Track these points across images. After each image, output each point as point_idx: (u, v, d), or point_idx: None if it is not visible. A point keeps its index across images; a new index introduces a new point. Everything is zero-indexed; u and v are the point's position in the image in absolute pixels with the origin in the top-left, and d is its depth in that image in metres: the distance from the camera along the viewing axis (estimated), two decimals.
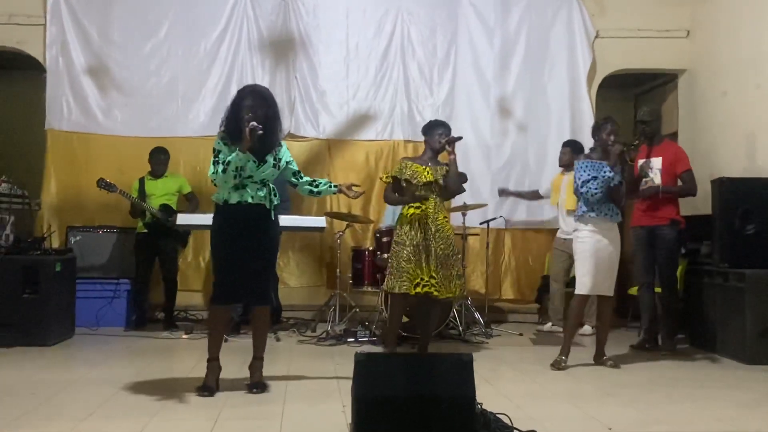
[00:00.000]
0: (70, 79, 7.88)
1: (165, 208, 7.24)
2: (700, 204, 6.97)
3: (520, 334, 7.25)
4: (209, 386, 4.52)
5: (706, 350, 6.36)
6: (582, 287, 5.62)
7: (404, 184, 5.72)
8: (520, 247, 8.34)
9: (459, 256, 5.91)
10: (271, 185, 4.64)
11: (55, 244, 7.62)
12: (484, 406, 3.64)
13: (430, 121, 6.06)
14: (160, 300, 7.51)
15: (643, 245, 6.49)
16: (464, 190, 6.40)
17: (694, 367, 5.84)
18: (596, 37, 8.39)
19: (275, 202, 4.66)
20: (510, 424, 3.66)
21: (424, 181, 5.65)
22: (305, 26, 8.17)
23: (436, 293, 5.51)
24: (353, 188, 4.96)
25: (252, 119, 4.37)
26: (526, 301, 8.31)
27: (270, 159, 4.58)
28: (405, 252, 5.53)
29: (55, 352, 6.01)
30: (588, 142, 8.10)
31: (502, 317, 8.21)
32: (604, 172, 5.51)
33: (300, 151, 8.17)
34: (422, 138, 7.96)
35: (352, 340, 6.58)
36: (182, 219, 6.44)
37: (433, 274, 5.51)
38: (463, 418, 3.40)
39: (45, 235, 6.87)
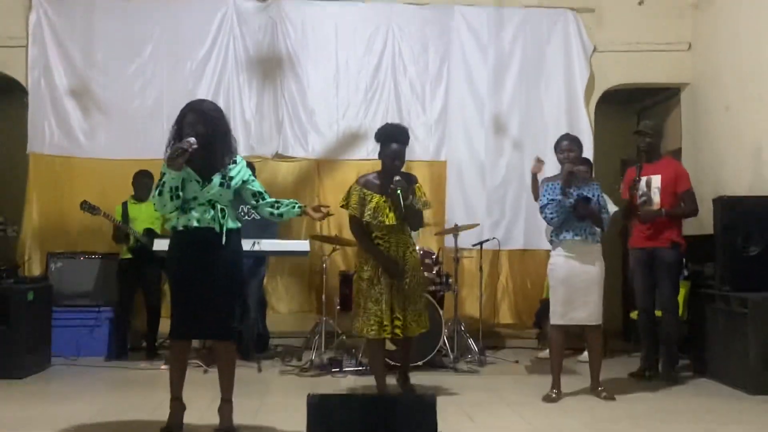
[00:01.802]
0: (52, 101, 7.69)
1: (149, 232, 7.01)
2: (705, 223, 6.66)
3: (516, 362, 6.94)
4: (171, 428, 4.21)
5: (708, 378, 6.04)
6: (554, 316, 5.34)
7: (364, 222, 5.18)
8: (517, 269, 8.03)
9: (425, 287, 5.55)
10: (220, 206, 4.23)
11: (37, 271, 7.47)
12: None
13: (384, 129, 5.32)
14: (144, 328, 7.26)
15: (642, 268, 6.18)
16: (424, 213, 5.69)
17: (694, 397, 5.51)
18: (594, 51, 8.12)
19: (229, 225, 4.27)
20: None
21: (388, 224, 5.11)
22: (293, 44, 7.94)
23: (401, 334, 5.13)
24: (321, 208, 4.59)
25: (190, 135, 4.06)
26: (525, 326, 7.99)
27: (217, 178, 4.21)
28: (372, 292, 5.11)
29: (24, 386, 5.77)
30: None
31: (499, 343, 7.91)
32: (558, 195, 5.24)
33: (288, 171, 7.99)
34: (413, 157, 7.95)
35: (337, 370, 6.29)
36: (159, 244, 6.23)
37: (398, 315, 5.09)
38: None
39: (21, 263, 6.66)
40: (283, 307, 7.95)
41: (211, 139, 4.16)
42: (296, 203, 4.54)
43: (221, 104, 7.49)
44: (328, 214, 4.63)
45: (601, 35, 8.15)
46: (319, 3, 8.01)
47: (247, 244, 6.31)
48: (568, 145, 5.46)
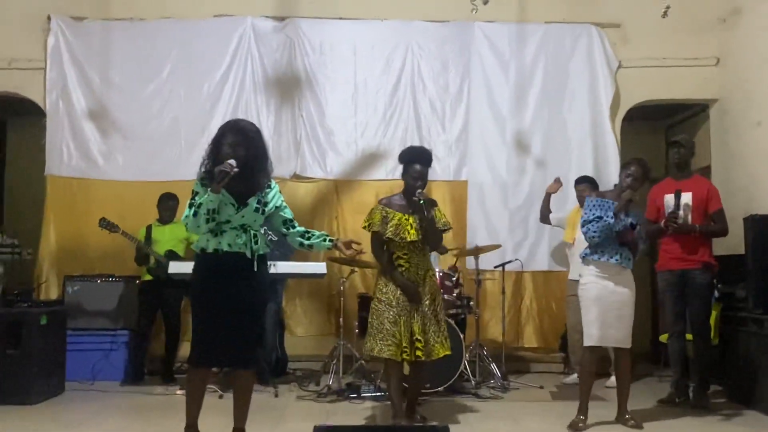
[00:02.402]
0: (70, 123, 7.67)
1: (171, 254, 6.91)
2: (736, 243, 6.41)
3: (541, 387, 6.71)
4: None
5: (741, 405, 5.78)
6: (589, 338, 5.12)
7: (386, 240, 5.12)
8: (542, 290, 7.81)
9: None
10: (253, 231, 4.14)
11: (54, 294, 7.40)
12: None
13: (408, 151, 5.35)
14: (161, 352, 7.15)
15: (673, 291, 5.94)
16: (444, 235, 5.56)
17: (725, 425, 5.26)
18: (619, 67, 7.93)
19: (261, 251, 4.16)
20: None
21: (409, 239, 5.05)
22: (311, 63, 7.86)
23: (423, 357, 4.98)
24: (353, 245, 4.41)
25: (230, 157, 3.94)
26: (550, 350, 7.77)
27: (253, 202, 4.09)
28: (390, 313, 5.00)
29: (35, 412, 5.64)
30: (613, 177, 7.71)
31: (523, 367, 7.69)
32: (608, 216, 5.02)
33: (306, 192, 7.88)
34: (434, 177, 7.78)
35: (355, 396, 6.11)
36: (174, 267, 6.14)
37: (419, 337, 4.97)
38: None
39: (36, 286, 6.59)
40: (302, 330, 7.81)
41: (251, 162, 4.04)
42: (327, 236, 4.39)
43: None
44: (359, 252, 4.46)
45: (626, 51, 7.97)
46: (337, 21, 7.92)
47: None
48: (634, 171, 5.21)
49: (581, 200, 6.93)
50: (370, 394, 6.11)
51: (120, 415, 5.70)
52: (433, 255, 6.96)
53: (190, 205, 4.02)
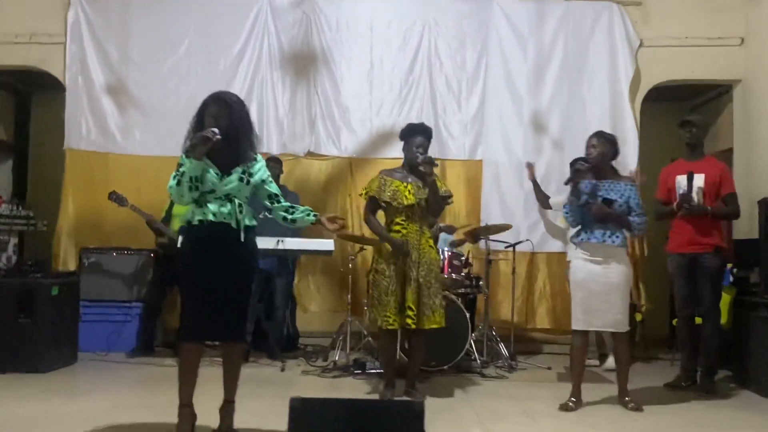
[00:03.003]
0: (89, 98, 7.74)
1: None
2: (754, 227, 6.29)
3: (549, 368, 6.68)
4: None
5: (750, 391, 5.69)
6: (575, 322, 5.09)
7: (384, 205, 5.27)
8: (556, 272, 7.70)
9: (440, 282, 5.36)
10: (238, 201, 4.07)
11: (72, 266, 7.52)
12: None
13: (408, 126, 5.47)
14: (173, 324, 7.25)
15: (682, 274, 5.85)
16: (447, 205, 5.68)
17: (730, 410, 5.17)
18: (640, 46, 7.76)
19: (246, 222, 4.10)
20: None
21: (406, 203, 5.18)
22: (327, 41, 7.83)
23: (413, 325, 5.05)
24: (336, 220, 4.39)
25: (213, 127, 3.92)
26: (563, 331, 7.64)
27: (237, 172, 4.06)
28: (385, 283, 5.11)
29: (44, 379, 5.75)
30: (631, 158, 7.61)
31: (535, 348, 7.66)
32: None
33: (321, 170, 7.88)
34: (448, 156, 7.76)
35: (359, 372, 6.14)
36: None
37: (410, 305, 5.05)
38: None
39: (52, 258, 6.70)
40: (315, 306, 7.84)
41: (235, 133, 4.02)
42: (311, 211, 4.35)
43: (254, 101, 7.69)
44: (343, 228, 4.46)
45: (647, 29, 7.80)
46: None
47: (270, 243, 6.29)
48: (589, 141, 5.23)
49: None
50: (375, 371, 6.12)
51: (128, 385, 5.81)
52: (442, 237, 6.99)
53: (175, 176, 3.98)
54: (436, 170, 7.44)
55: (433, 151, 7.56)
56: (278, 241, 6.30)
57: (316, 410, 3.10)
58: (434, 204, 5.23)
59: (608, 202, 5.00)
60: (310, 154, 7.81)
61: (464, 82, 7.85)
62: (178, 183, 3.95)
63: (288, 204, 4.34)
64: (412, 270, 5.10)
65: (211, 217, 4.01)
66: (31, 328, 5.92)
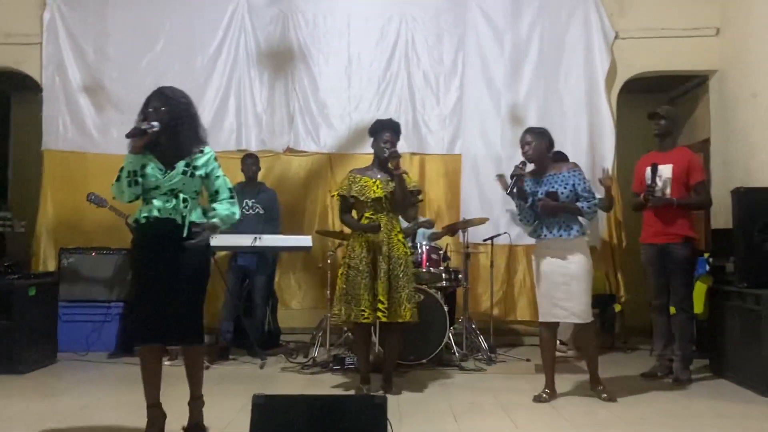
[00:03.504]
0: (66, 97, 7.72)
1: None
2: (730, 216, 6.32)
3: (528, 360, 6.71)
4: None
5: (725, 380, 5.73)
6: (541, 315, 5.17)
7: (353, 201, 5.33)
8: None
9: (412, 277, 5.38)
10: (183, 196, 3.95)
11: (51, 267, 7.51)
12: None
13: (376, 122, 5.55)
14: None
15: (654, 264, 5.90)
16: (417, 202, 5.71)
17: (705, 400, 5.20)
18: (616, 38, 7.79)
19: (193, 218, 3.96)
20: None
21: (373, 197, 5.25)
22: (304, 36, 7.83)
23: (384, 318, 5.12)
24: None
25: (154, 120, 3.89)
26: None
27: (180, 165, 3.96)
28: (359, 277, 5.17)
29: (22, 380, 5.77)
30: (608, 150, 7.65)
31: (517, 341, 7.69)
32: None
33: (300, 166, 7.89)
34: (427, 150, 7.79)
35: (338, 367, 6.16)
36: None
37: (381, 298, 5.10)
38: None
39: (28, 259, 6.70)
40: (296, 303, 7.85)
41: (176, 125, 3.96)
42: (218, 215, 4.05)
43: (233, 98, 7.70)
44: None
45: (623, 21, 7.82)
46: None
47: (248, 239, 6.33)
48: (523, 139, 5.22)
49: None
50: (354, 365, 6.14)
51: (107, 385, 5.79)
52: (420, 232, 7.02)
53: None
54: (414, 165, 7.62)
55: (412, 146, 7.72)
56: (255, 238, 6.34)
57: (279, 407, 3.12)
58: (401, 199, 5.25)
59: (552, 194, 5.03)
60: (289, 151, 7.82)
61: (442, 76, 7.86)
62: (117, 179, 3.92)
63: (224, 208, 4.08)
64: (381, 263, 5.15)
65: (156, 213, 3.93)
66: (10, 329, 5.92)
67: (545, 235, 5.11)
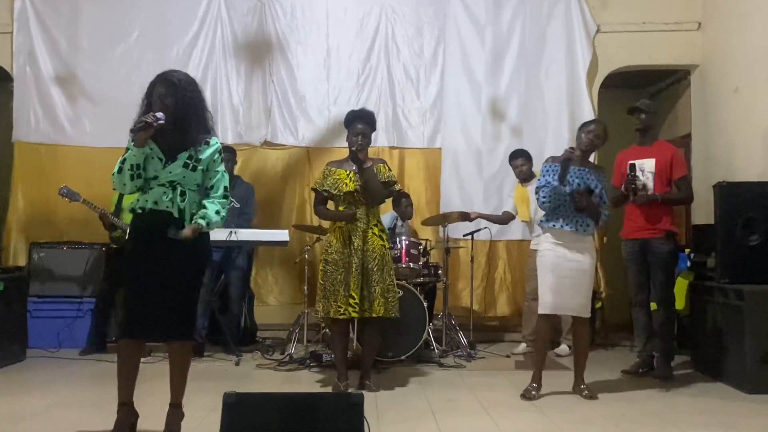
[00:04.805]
0: (37, 88, 7.54)
1: None
2: (712, 211, 6.27)
3: (507, 356, 6.64)
4: None
5: (707, 375, 5.68)
6: (543, 306, 5.02)
7: (326, 195, 5.26)
8: (516, 260, 7.66)
9: (390, 271, 5.26)
10: (181, 189, 3.79)
11: (22, 261, 7.33)
12: None
13: (349, 113, 5.41)
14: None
15: (635, 260, 5.83)
16: (390, 196, 5.62)
17: (686, 397, 5.12)
18: (597, 32, 7.73)
19: (192, 210, 3.81)
20: None
21: (345, 190, 5.16)
22: (282, 28, 7.70)
23: (354, 314, 5.03)
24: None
25: (159, 110, 3.67)
26: None
27: (182, 157, 3.77)
28: (335, 272, 5.09)
29: None
30: None
31: (497, 337, 7.61)
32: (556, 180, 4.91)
33: (278, 159, 7.76)
34: (407, 144, 7.69)
35: (316, 364, 6.05)
36: None
37: (353, 294, 5.01)
38: None
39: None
40: (273, 299, 7.72)
41: (182, 113, 3.76)
42: (201, 220, 3.84)
43: (208, 90, 7.51)
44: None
45: (605, 15, 7.77)
46: None
47: (223, 234, 6.18)
48: (593, 128, 5.12)
49: (520, 175, 6.86)
50: (332, 362, 6.01)
51: (77, 382, 5.63)
52: (401, 225, 6.92)
53: (119, 163, 3.75)
54: (394, 159, 7.51)
55: (392, 140, 7.61)
56: (231, 232, 6.20)
57: (251, 405, 3.00)
58: (373, 192, 5.15)
59: (589, 192, 4.95)
60: (266, 144, 7.69)
61: (422, 69, 7.77)
62: (120, 171, 3.74)
63: (214, 206, 3.89)
64: (354, 257, 5.06)
65: (151, 205, 3.78)
66: None
67: (561, 226, 4.99)
